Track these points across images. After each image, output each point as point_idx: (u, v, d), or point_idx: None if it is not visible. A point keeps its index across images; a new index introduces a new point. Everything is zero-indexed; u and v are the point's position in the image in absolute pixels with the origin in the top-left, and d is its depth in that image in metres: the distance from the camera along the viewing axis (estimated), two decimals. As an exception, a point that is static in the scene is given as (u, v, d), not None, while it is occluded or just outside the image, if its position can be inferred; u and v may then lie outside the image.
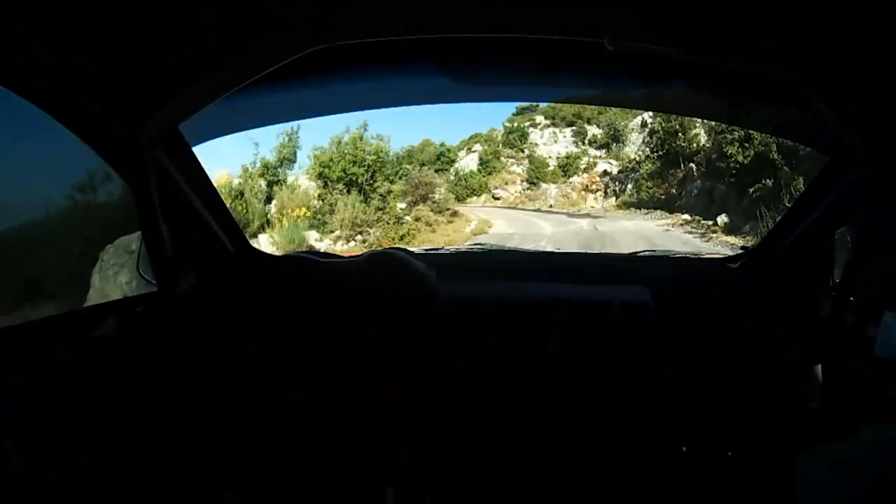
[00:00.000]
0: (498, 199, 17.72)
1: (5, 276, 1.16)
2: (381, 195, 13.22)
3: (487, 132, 19.35)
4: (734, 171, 10.77)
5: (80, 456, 0.87)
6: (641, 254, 1.92)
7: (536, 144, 18.34)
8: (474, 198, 17.89)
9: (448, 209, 14.67)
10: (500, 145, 18.76)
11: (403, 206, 14.01)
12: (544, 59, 1.21)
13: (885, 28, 0.83)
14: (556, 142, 18.20)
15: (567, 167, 17.49)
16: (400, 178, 14.69)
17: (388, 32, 0.94)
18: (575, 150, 17.78)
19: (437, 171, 17.95)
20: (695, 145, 13.26)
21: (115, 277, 1.19)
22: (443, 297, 1.36)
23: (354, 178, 13.26)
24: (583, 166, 17.28)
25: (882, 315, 1.09)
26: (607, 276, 1.53)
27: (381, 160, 13.73)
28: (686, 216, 12.49)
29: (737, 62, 1.00)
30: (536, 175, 17.69)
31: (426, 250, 1.77)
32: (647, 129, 14.86)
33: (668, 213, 13.20)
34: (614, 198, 15.78)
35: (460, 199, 17.47)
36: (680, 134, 13.44)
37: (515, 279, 1.51)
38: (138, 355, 1.06)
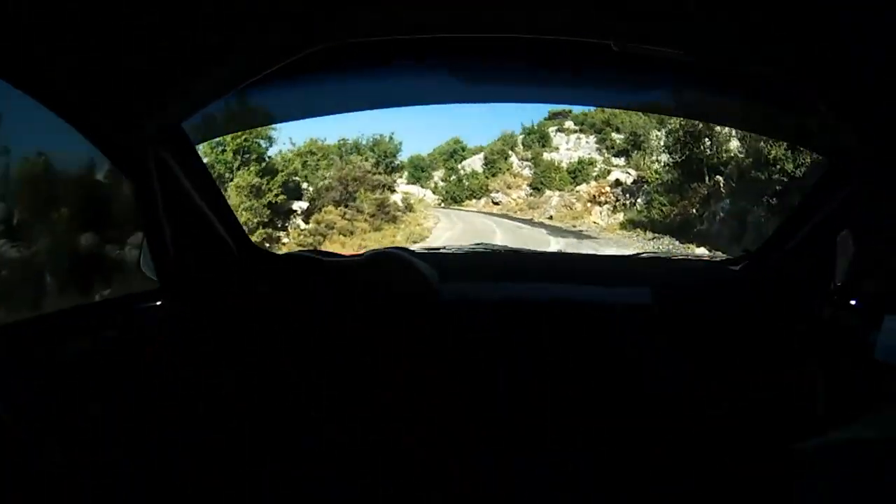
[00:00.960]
0: (497, 203, 15.70)
1: (6, 275, 1.17)
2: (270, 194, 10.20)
3: (509, 133, 17.25)
4: (778, 187, 7.58)
5: (80, 456, 0.87)
6: (642, 255, 1.92)
7: (557, 148, 16.27)
8: (473, 200, 16.15)
9: (388, 213, 12.05)
10: (517, 146, 16.96)
11: (305, 205, 11.29)
12: (543, 59, 1.21)
13: (884, 28, 0.82)
14: (579, 148, 16.14)
15: (577, 173, 15.22)
16: (324, 169, 12.06)
17: (388, 32, 0.95)
18: (596, 156, 15.53)
19: (446, 168, 16.69)
20: (724, 154, 9.94)
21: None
22: (444, 297, 1.36)
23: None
24: (594, 174, 14.92)
25: (883, 318, 1.09)
26: (608, 278, 1.53)
27: (251, 148, 10.45)
28: (702, 250, 9.00)
29: (737, 62, 1.00)
30: (541, 180, 15.54)
31: (428, 250, 1.78)
32: (664, 129, 11.64)
33: (678, 242, 10.14)
34: (622, 213, 13.13)
35: (457, 200, 16.02)
36: (706, 138, 10.04)
37: (516, 280, 1.51)
38: (139, 355, 1.06)
